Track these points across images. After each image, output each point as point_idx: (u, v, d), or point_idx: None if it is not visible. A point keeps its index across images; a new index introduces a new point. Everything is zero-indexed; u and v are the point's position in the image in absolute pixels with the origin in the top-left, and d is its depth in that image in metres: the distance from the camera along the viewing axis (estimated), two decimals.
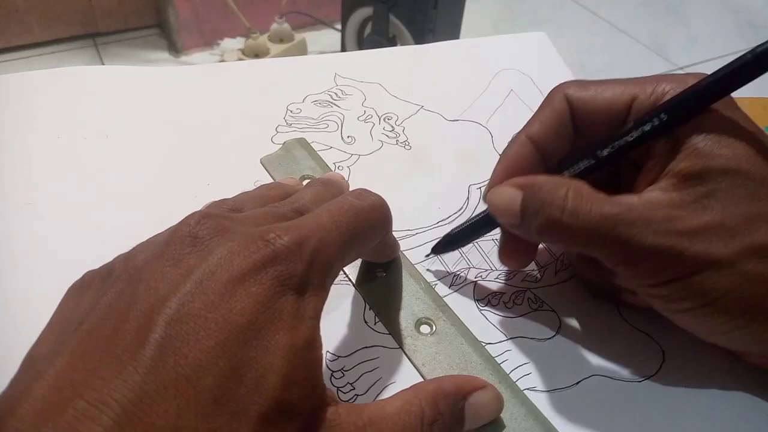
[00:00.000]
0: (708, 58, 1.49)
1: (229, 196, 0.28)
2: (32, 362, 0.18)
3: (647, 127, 0.24)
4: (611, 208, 0.23)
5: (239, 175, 0.34)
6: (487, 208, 0.27)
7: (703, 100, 0.23)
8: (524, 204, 0.25)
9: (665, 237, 0.22)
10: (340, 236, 0.21)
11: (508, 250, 0.28)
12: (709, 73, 0.23)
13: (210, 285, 0.17)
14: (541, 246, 0.31)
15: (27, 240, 0.29)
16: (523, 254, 0.28)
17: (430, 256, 0.30)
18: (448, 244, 0.30)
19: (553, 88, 0.27)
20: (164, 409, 0.15)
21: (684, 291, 0.23)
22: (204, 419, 0.16)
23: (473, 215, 0.29)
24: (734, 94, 0.24)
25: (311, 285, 0.19)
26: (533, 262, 0.31)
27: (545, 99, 0.27)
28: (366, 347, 0.26)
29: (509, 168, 0.27)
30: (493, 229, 0.29)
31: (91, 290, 0.20)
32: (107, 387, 0.15)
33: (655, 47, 1.56)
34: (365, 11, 1.25)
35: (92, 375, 0.15)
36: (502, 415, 0.24)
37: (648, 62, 1.51)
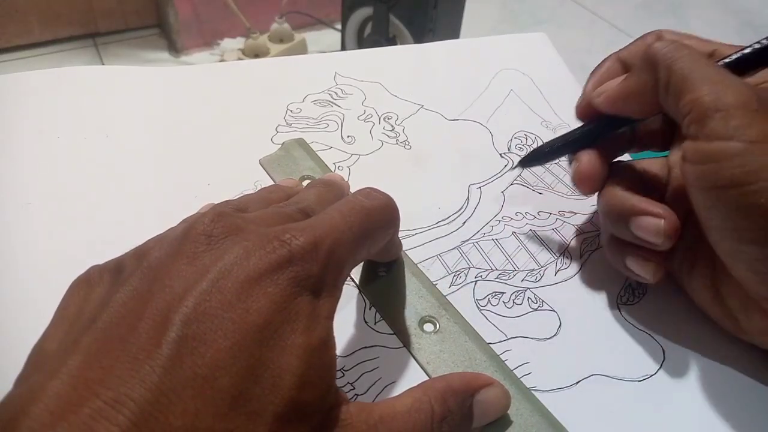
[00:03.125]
0: None
1: (230, 196, 0.28)
2: (42, 359, 0.18)
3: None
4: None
5: (239, 175, 0.34)
6: (579, 127, 0.29)
7: None
8: (652, 53, 0.25)
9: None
10: (352, 237, 0.21)
11: (583, 172, 0.28)
12: None
13: (226, 284, 0.17)
14: (540, 246, 0.31)
15: (27, 240, 0.29)
16: (597, 178, 0.28)
17: (516, 168, 0.32)
18: (537, 157, 0.31)
19: (650, 32, 0.28)
20: (182, 409, 0.15)
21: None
22: (221, 420, 0.16)
23: (567, 132, 0.30)
24: None
25: (326, 286, 0.19)
26: (533, 261, 0.31)
27: (640, 37, 0.29)
28: (366, 347, 0.26)
29: (600, 83, 0.29)
30: (580, 148, 0.29)
31: (100, 287, 0.20)
32: (124, 386, 0.15)
33: None
34: (365, 11, 1.25)
35: (108, 374, 0.15)
36: (508, 411, 0.24)
37: None
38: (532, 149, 0.31)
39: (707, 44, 0.27)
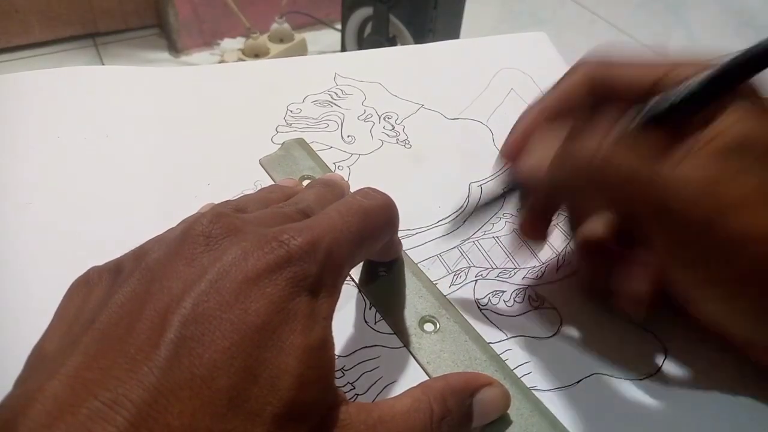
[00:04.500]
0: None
1: (230, 196, 0.28)
2: (41, 361, 0.18)
3: (679, 97, 0.22)
4: (644, 168, 0.22)
5: (239, 175, 0.34)
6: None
7: (733, 79, 0.22)
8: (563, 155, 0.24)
9: (700, 208, 0.21)
10: (351, 237, 0.21)
11: (527, 225, 0.27)
12: None
13: (224, 285, 0.17)
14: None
15: (27, 240, 0.29)
16: (543, 229, 0.27)
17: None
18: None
19: (577, 63, 0.27)
20: (179, 409, 0.15)
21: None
22: (219, 420, 0.16)
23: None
24: None
25: (324, 286, 0.19)
26: (534, 258, 0.31)
27: (566, 73, 0.27)
28: (366, 347, 0.26)
29: (525, 131, 0.27)
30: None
31: (99, 288, 0.20)
32: (122, 387, 0.15)
33: (655, 47, 1.56)
34: (365, 11, 1.25)
35: (106, 375, 0.15)
36: (508, 411, 0.24)
37: None
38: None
39: (649, 69, 0.24)
